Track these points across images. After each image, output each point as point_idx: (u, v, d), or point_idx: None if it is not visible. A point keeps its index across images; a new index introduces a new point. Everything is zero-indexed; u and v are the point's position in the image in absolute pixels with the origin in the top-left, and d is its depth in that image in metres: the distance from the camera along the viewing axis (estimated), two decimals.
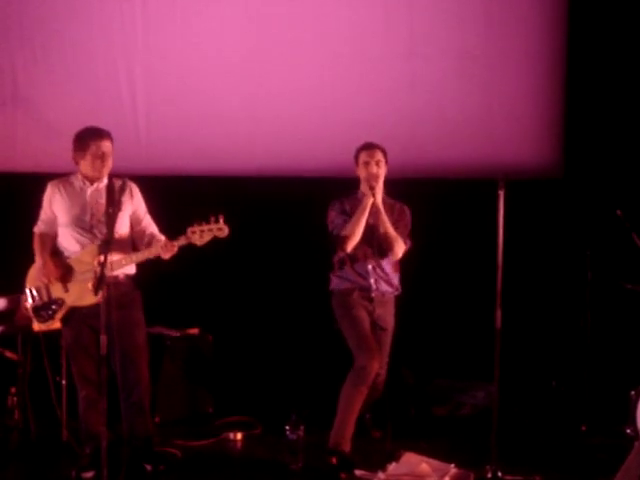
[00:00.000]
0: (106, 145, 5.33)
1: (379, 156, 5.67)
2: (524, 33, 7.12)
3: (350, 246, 5.58)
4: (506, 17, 7.15)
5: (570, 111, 7.11)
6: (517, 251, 5.85)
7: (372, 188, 5.57)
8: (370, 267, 5.66)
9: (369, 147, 5.71)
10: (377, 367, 5.51)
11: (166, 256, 5.25)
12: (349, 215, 5.64)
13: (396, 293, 5.79)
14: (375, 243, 5.65)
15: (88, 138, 5.33)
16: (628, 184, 6.88)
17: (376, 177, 5.61)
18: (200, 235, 5.16)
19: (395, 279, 5.77)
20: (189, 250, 6.24)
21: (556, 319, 7.04)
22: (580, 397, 6.46)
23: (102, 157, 5.32)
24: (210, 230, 5.16)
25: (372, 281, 5.66)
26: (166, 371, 6.57)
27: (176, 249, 5.25)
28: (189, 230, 5.17)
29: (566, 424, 6.41)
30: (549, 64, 7.13)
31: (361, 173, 5.70)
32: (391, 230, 5.62)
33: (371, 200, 5.57)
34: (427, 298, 6.96)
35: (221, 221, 5.16)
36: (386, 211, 5.67)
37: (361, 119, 7.06)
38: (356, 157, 5.73)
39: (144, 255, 5.30)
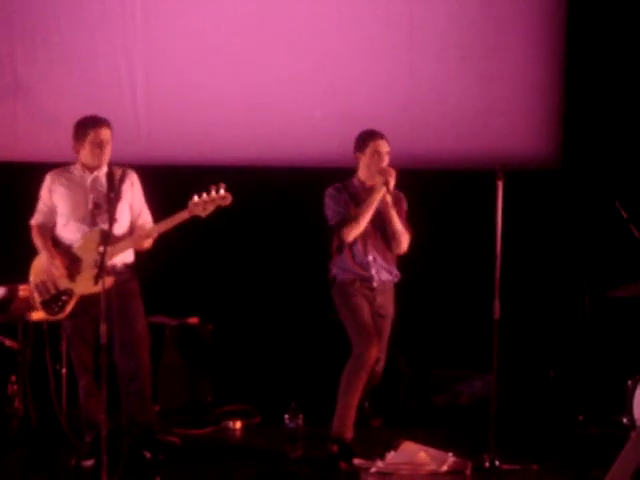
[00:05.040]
0: (104, 133, 5.34)
1: (388, 147, 5.58)
2: (523, 23, 7.14)
3: (352, 237, 5.51)
4: (505, 7, 7.16)
5: (569, 102, 7.13)
6: (515, 241, 5.86)
7: (387, 183, 5.44)
8: (371, 258, 5.61)
9: (380, 136, 5.58)
10: (376, 353, 5.48)
11: (140, 247, 5.33)
12: (347, 203, 5.58)
13: (395, 280, 5.76)
14: (376, 234, 5.61)
15: (86, 126, 5.35)
16: (626, 175, 6.90)
17: (391, 172, 5.47)
18: (203, 206, 5.14)
19: (394, 266, 5.75)
20: (189, 238, 6.29)
21: (554, 309, 7.06)
22: (577, 387, 6.49)
23: (100, 145, 5.33)
24: (213, 200, 5.14)
25: (373, 272, 5.62)
26: (166, 360, 6.59)
27: (149, 243, 5.32)
28: (191, 203, 5.15)
29: (563, 414, 6.44)
30: (548, 55, 7.15)
31: (367, 161, 5.57)
32: (399, 225, 5.57)
33: (382, 194, 5.47)
34: (426, 288, 6.99)
35: (222, 190, 5.14)
36: None
37: (360, 110, 7.07)
38: (363, 144, 5.59)
39: (126, 245, 5.32)
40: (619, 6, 7.01)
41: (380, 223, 5.60)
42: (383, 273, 5.67)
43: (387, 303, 5.72)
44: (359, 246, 5.61)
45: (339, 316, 5.66)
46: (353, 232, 5.51)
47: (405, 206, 5.73)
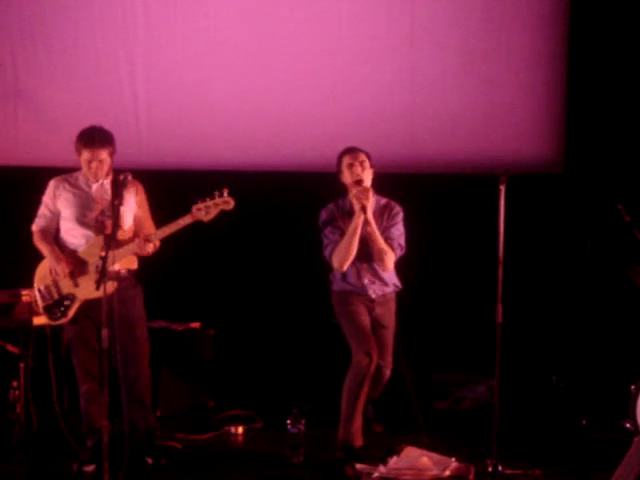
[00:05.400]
0: (97, 154, 5.29)
1: (363, 157, 5.54)
2: (525, 28, 7.12)
3: (345, 266, 5.50)
4: (507, 12, 7.15)
5: (571, 106, 7.12)
6: (518, 246, 5.85)
7: (364, 208, 5.40)
8: (366, 281, 5.59)
9: (352, 150, 5.58)
10: (375, 360, 5.45)
11: (142, 253, 5.30)
12: (340, 228, 5.54)
13: (397, 290, 5.75)
14: (367, 256, 5.55)
15: (81, 144, 5.32)
16: (628, 179, 6.89)
17: (366, 192, 5.43)
18: (206, 211, 5.16)
19: (393, 278, 5.70)
20: (191, 244, 6.29)
21: (557, 314, 7.05)
22: (580, 391, 6.48)
23: (90, 164, 5.31)
24: (216, 205, 5.17)
25: (371, 292, 5.61)
26: (168, 365, 6.59)
27: (150, 248, 5.28)
28: (194, 208, 5.17)
29: (566, 418, 6.43)
30: (550, 59, 7.14)
31: (346, 178, 5.56)
32: (381, 244, 5.48)
33: (362, 219, 5.43)
34: (429, 293, 6.98)
35: (225, 194, 5.17)
36: (378, 215, 5.58)
37: (361, 114, 7.07)
38: (339, 162, 5.59)
39: (129, 250, 5.30)
40: (621, 11, 6.99)
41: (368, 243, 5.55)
42: (381, 289, 5.65)
43: (388, 314, 5.70)
44: (353, 271, 5.59)
45: (339, 324, 5.65)
46: (344, 262, 5.50)
47: (399, 217, 5.65)
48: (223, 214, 5.23)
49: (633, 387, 5.70)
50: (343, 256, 5.48)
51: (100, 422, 4.96)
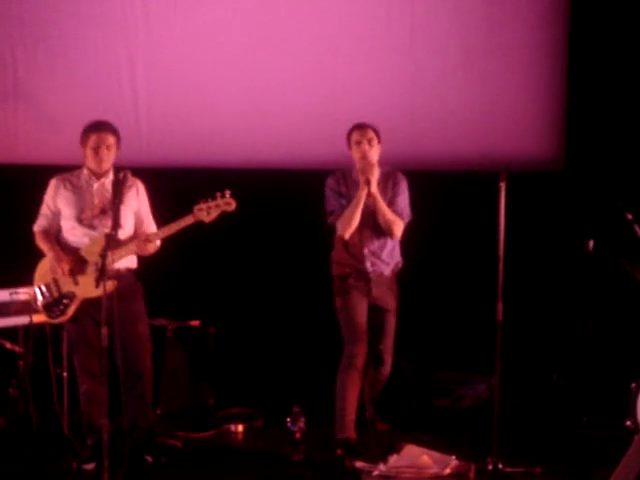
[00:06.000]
0: (105, 137, 5.33)
1: (371, 134, 5.62)
2: (525, 25, 7.12)
3: (348, 234, 5.57)
4: (507, 9, 7.15)
5: (572, 104, 7.12)
6: (518, 243, 5.84)
7: (368, 182, 5.49)
8: (366, 251, 5.63)
9: (360, 126, 5.66)
10: (364, 351, 5.55)
11: (143, 253, 5.32)
12: (345, 197, 5.61)
13: (395, 270, 5.76)
14: (371, 226, 5.61)
15: (89, 130, 5.36)
16: (629, 176, 6.89)
17: (371, 167, 5.52)
18: (207, 212, 5.18)
19: (394, 257, 5.73)
20: (191, 241, 6.28)
21: (557, 311, 7.04)
22: (581, 389, 6.47)
23: (98, 150, 5.32)
24: (218, 206, 5.19)
25: (368, 264, 5.63)
26: (168, 363, 6.59)
27: (151, 248, 5.31)
28: (195, 208, 5.19)
29: (566, 416, 6.41)
30: (551, 57, 7.14)
31: (354, 154, 5.64)
32: (389, 215, 5.57)
33: (365, 192, 5.51)
34: (428, 290, 6.98)
35: (227, 195, 5.19)
36: (383, 184, 5.64)
37: (362, 112, 6.99)
38: (348, 138, 5.68)
39: (130, 249, 5.31)
40: (621, 10, 6.99)
41: (374, 214, 5.61)
42: (380, 265, 5.68)
43: (386, 295, 5.73)
44: (355, 239, 5.63)
45: (337, 316, 5.68)
46: (347, 229, 5.56)
47: (403, 186, 5.71)
48: (224, 214, 5.24)
49: (633, 385, 5.69)
50: (346, 224, 5.56)
51: (100, 420, 4.96)
